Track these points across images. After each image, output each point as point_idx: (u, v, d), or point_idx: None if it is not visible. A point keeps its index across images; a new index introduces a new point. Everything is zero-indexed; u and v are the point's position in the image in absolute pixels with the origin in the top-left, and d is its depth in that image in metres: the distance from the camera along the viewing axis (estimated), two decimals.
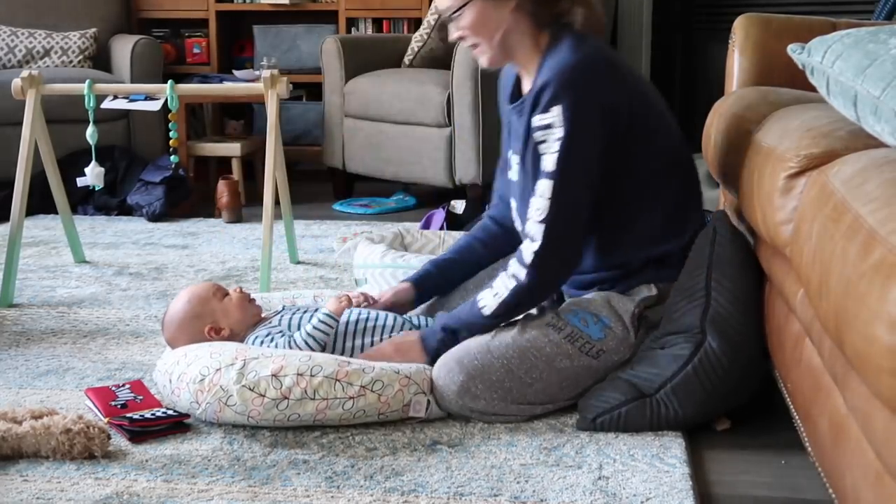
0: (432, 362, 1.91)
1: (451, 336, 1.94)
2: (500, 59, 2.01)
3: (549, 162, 1.87)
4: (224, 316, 2.04)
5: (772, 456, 1.75)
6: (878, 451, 1.16)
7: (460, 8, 1.94)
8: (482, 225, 2.26)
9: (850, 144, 1.55)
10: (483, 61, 2.02)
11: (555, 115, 1.85)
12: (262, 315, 2.10)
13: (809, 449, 1.59)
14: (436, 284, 2.20)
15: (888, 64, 1.43)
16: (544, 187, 1.87)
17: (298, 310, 2.11)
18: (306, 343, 1.94)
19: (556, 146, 1.85)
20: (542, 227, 1.87)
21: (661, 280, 1.96)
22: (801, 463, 1.69)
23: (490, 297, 1.92)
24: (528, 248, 1.89)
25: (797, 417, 1.67)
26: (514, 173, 2.06)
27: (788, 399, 1.74)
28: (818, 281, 1.32)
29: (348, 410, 1.80)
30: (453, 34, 2.00)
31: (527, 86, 2.01)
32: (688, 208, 2.04)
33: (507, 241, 2.18)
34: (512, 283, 1.90)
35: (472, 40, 1.98)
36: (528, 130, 1.92)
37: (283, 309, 2.13)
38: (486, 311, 1.91)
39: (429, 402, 1.85)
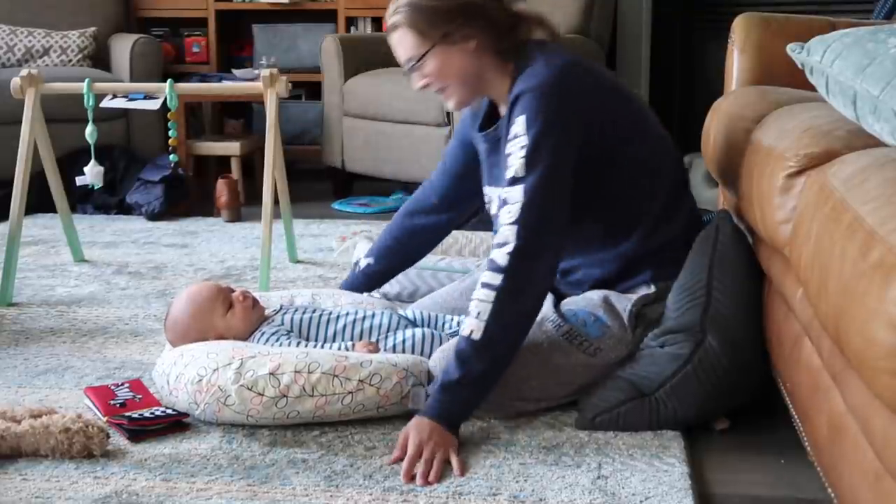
0: (454, 427, 1.75)
1: (452, 391, 1.75)
2: (468, 99, 2.02)
3: (517, 168, 1.82)
4: (227, 330, 2.02)
5: (771, 455, 1.75)
6: (877, 450, 1.16)
7: (422, 57, 1.94)
8: (401, 225, 2.38)
9: (850, 144, 1.55)
10: (451, 104, 2.02)
11: (520, 124, 1.84)
12: (266, 314, 2.10)
13: (808, 448, 1.59)
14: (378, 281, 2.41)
15: (887, 63, 1.43)
16: (515, 192, 1.81)
17: (297, 309, 2.11)
18: None
19: (522, 153, 1.82)
20: (514, 228, 1.78)
21: (659, 279, 1.96)
22: (800, 462, 1.69)
23: (472, 319, 1.76)
24: (501, 252, 1.77)
25: (796, 417, 1.67)
26: (494, 208, 2.02)
27: (787, 399, 1.74)
28: (817, 280, 1.32)
29: (347, 405, 1.80)
30: (417, 82, 2.00)
31: (503, 111, 2.01)
32: (676, 208, 2.03)
33: (424, 241, 2.39)
34: (490, 294, 1.76)
35: (437, 85, 1.98)
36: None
37: (282, 308, 2.12)
38: (477, 335, 1.74)
39: (427, 393, 1.85)
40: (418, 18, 1.92)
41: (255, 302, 2.08)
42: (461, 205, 2.32)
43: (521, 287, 1.77)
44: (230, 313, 2.03)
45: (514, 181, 1.82)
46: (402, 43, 1.96)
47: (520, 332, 1.81)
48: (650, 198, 1.99)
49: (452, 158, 2.28)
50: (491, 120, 2.08)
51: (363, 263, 2.39)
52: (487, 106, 2.10)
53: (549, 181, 1.81)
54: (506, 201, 1.82)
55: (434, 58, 1.94)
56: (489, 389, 1.80)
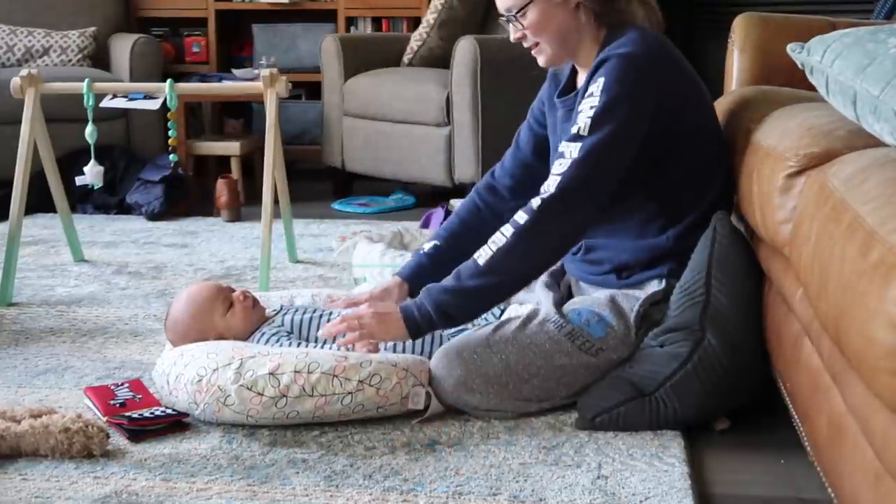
0: (411, 335, 1.87)
1: (432, 291, 1.86)
2: (559, 58, 2.03)
3: (581, 126, 1.86)
4: (227, 330, 2.02)
5: (771, 455, 1.75)
6: (877, 450, 1.16)
7: (523, 7, 1.95)
8: (471, 207, 2.22)
9: (850, 144, 1.55)
10: (541, 60, 2.03)
11: (598, 84, 1.87)
12: (266, 315, 2.10)
13: (808, 448, 1.59)
14: (429, 275, 2.05)
15: (887, 63, 1.43)
16: (573, 148, 1.85)
17: (297, 309, 2.11)
18: None
19: (591, 112, 1.86)
20: (558, 179, 1.85)
21: (672, 276, 1.95)
22: (800, 462, 1.69)
23: (486, 247, 1.86)
24: (538, 197, 1.85)
25: (796, 417, 1.67)
26: None
27: (787, 399, 1.74)
28: (817, 280, 1.32)
29: (347, 406, 1.80)
30: (515, 34, 2.01)
31: (582, 80, 2.02)
32: (720, 206, 2.02)
33: (495, 227, 2.14)
34: (510, 230, 1.84)
35: (533, 40, 1.99)
36: None
37: (282, 308, 2.12)
38: (482, 260, 1.84)
39: (428, 394, 1.85)
40: None
41: (256, 302, 2.08)
42: (531, 180, 2.16)
43: (541, 232, 1.84)
44: (230, 313, 2.03)
45: (575, 137, 1.86)
46: None
47: (520, 275, 1.89)
48: (704, 192, 1.99)
49: (525, 134, 2.24)
50: (572, 89, 2.08)
51: (426, 247, 2.16)
52: (570, 74, 2.10)
53: (608, 146, 1.85)
54: (562, 154, 1.87)
55: (535, 10, 1.95)
56: (465, 313, 1.89)
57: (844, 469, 1.32)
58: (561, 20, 1.96)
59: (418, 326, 1.86)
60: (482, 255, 1.85)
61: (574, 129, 1.87)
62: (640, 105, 1.87)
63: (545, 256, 1.91)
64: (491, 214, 2.18)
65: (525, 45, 2.02)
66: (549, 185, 1.85)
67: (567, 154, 1.86)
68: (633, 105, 1.86)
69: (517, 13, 1.96)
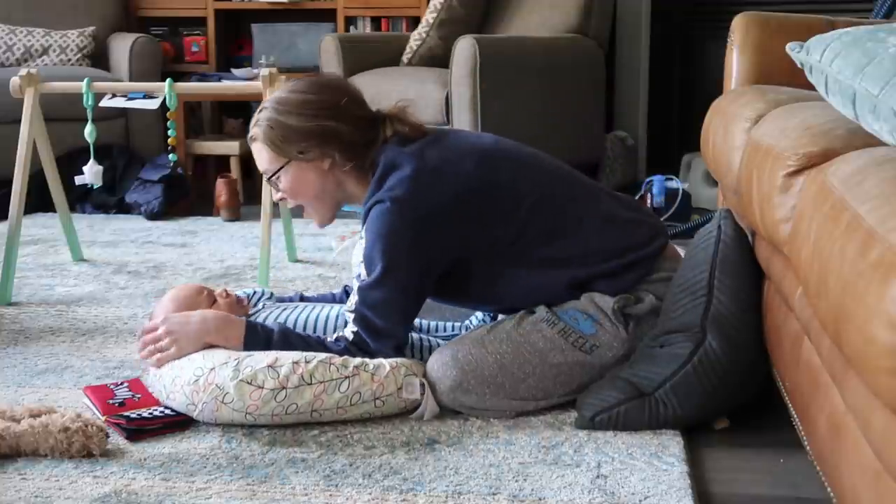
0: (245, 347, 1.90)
1: (282, 341, 1.90)
2: (328, 215, 2.05)
3: (361, 273, 1.90)
4: None
5: (770, 455, 1.75)
6: (877, 449, 1.16)
7: (277, 171, 1.98)
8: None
9: (849, 143, 1.55)
10: (316, 221, 2.06)
11: (365, 230, 1.90)
12: (249, 312, 2.11)
13: (808, 448, 1.59)
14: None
15: (886, 62, 1.43)
16: (358, 292, 1.90)
17: (278, 306, 2.12)
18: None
19: (361, 258, 1.90)
20: (352, 316, 1.90)
21: (623, 290, 1.94)
22: (800, 462, 1.69)
23: (332, 342, 1.91)
24: (348, 329, 1.91)
25: (796, 416, 1.67)
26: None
27: (787, 398, 1.74)
28: (817, 280, 1.32)
29: (344, 394, 1.80)
30: (275, 196, 2.05)
31: None
32: (603, 240, 1.97)
33: None
34: (339, 345, 1.90)
35: (294, 202, 2.02)
36: None
37: (264, 306, 2.14)
38: (328, 344, 1.91)
39: (422, 384, 1.85)
40: (274, 135, 1.96)
41: (239, 299, 2.10)
42: None
43: (363, 352, 1.90)
44: (214, 308, 2.05)
45: (361, 282, 1.90)
46: (260, 156, 2.01)
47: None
48: (567, 247, 1.95)
49: None
50: None
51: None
52: None
53: (384, 287, 1.87)
54: (355, 293, 1.92)
55: (288, 174, 1.98)
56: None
57: (844, 468, 1.32)
58: (316, 181, 1.98)
59: (257, 338, 1.90)
60: (330, 345, 1.90)
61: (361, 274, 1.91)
62: (405, 241, 1.87)
63: (378, 354, 1.92)
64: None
65: (289, 206, 2.06)
66: (350, 319, 1.91)
67: (355, 294, 1.91)
68: (396, 243, 1.86)
69: (271, 177, 1.99)
